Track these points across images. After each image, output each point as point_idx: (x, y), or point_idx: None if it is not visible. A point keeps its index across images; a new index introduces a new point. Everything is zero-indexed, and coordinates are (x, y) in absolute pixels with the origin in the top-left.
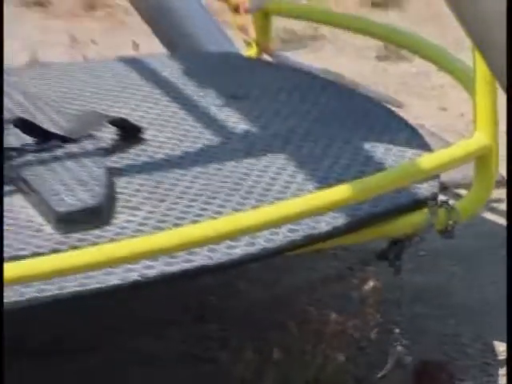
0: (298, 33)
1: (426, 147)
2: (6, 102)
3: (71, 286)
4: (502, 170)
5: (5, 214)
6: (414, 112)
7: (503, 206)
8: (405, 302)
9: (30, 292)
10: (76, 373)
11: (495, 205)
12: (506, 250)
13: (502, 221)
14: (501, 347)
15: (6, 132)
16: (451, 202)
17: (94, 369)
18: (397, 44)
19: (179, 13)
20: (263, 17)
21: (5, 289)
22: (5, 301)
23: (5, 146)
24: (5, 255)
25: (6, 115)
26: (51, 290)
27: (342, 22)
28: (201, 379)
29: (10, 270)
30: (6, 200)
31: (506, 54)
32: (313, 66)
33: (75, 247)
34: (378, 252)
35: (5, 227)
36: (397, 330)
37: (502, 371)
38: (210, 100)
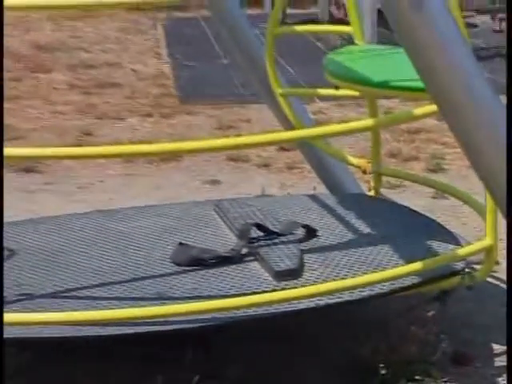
0: (392, 183)
1: (459, 243)
2: (249, 213)
3: (275, 308)
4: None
5: (248, 271)
6: (449, 225)
7: (497, 274)
8: (447, 320)
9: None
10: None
11: (494, 274)
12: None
13: (498, 282)
14: (495, 346)
15: (250, 230)
16: (472, 272)
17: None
18: (442, 190)
19: (332, 171)
20: (377, 176)
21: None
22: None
23: (248, 236)
24: (247, 291)
25: (250, 221)
26: (269, 310)
27: (415, 179)
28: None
29: (252, 300)
30: (250, 264)
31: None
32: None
33: (283, 289)
34: (433, 296)
35: (245, 279)
36: (442, 335)
37: (498, 359)
38: (347, 218)
